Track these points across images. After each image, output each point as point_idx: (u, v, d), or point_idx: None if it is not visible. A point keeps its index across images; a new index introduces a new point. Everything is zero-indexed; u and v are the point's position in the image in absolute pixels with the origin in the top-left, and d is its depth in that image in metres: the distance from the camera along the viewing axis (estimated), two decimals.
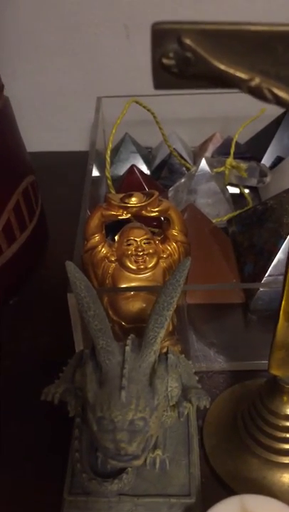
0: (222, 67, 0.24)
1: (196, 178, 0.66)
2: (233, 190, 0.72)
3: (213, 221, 0.63)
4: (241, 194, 0.72)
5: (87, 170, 0.61)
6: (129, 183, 0.64)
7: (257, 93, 0.25)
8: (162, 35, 0.24)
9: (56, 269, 0.61)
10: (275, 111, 0.77)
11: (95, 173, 0.67)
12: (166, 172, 0.73)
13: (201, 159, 0.66)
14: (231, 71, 0.24)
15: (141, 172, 0.66)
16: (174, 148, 0.73)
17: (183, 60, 0.24)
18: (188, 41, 0.24)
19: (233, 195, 0.71)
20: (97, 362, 0.34)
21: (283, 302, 0.35)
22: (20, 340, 0.54)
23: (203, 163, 0.66)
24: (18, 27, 0.80)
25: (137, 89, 0.73)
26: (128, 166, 0.70)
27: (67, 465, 0.39)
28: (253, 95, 0.25)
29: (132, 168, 0.66)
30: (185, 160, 0.74)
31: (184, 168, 0.72)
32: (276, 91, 0.25)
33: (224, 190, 0.68)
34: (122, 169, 0.73)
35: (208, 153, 0.76)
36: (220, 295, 0.55)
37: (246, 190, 0.72)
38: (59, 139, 0.87)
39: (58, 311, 0.56)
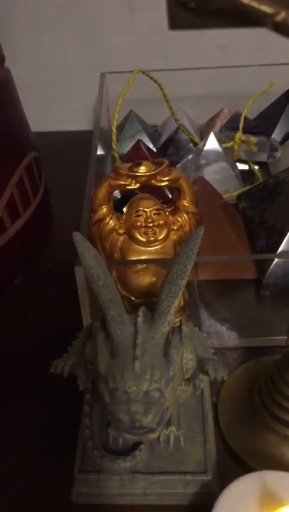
0: (245, 0, 0.22)
1: (204, 154, 0.64)
2: (243, 166, 0.70)
3: (224, 197, 0.61)
4: (251, 170, 0.70)
5: (92, 146, 0.59)
6: (135, 158, 0.62)
7: (283, 29, 0.23)
8: None
9: (61, 247, 0.59)
10: (283, 86, 0.75)
11: (100, 151, 0.65)
12: (172, 148, 0.71)
13: (209, 134, 0.64)
14: (255, 4, 0.22)
15: (147, 147, 0.65)
16: (182, 124, 0.71)
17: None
18: None
19: (242, 172, 0.69)
20: (108, 333, 0.33)
21: None
22: (27, 320, 0.53)
23: (212, 138, 0.64)
24: (21, 6, 0.77)
25: (142, 65, 0.71)
26: (133, 143, 0.68)
27: (78, 443, 0.37)
28: (278, 32, 0.23)
29: (138, 143, 0.64)
30: (192, 135, 0.71)
31: (192, 144, 0.70)
32: None
33: (233, 166, 0.66)
34: (127, 147, 0.71)
35: (216, 129, 0.74)
36: (232, 271, 0.53)
37: (256, 167, 0.70)
38: (62, 118, 0.85)
39: (63, 290, 0.54)
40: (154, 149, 0.73)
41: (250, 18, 0.23)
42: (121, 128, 0.74)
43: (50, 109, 0.84)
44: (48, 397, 0.44)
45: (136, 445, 0.35)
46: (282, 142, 0.71)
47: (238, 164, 0.70)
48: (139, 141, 0.64)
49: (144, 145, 0.64)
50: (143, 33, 0.80)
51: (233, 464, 0.39)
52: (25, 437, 0.42)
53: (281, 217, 0.54)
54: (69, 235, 0.42)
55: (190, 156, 0.66)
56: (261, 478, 0.33)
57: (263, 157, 0.68)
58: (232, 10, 0.23)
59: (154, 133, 0.77)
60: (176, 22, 0.24)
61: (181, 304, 0.47)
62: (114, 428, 0.33)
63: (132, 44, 0.80)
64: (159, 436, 0.37)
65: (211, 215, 0.54)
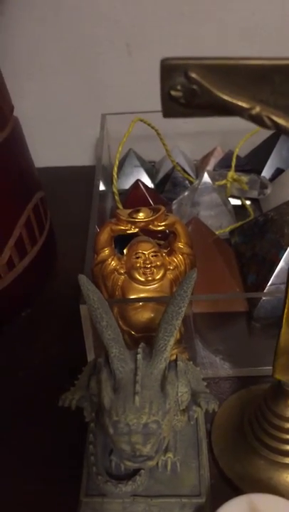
0: (225, 97, 0.27)
1: (199, 191, 0.69)
2: (235, 201, 0.75)
3: (216, 232, 0.65)
4: (243, 205, 0.74)
5: (95, 186, 0.63)
6: (135, 197, 0.67)
7: (258, 120, 0.27)
8: (170, 69, 0.27)
9: (66, 281, 0.63)
10: None
11: (101, 187, 0.70)
12: (169, 185, 0.76)
13: (204, 173, 0.69)
14: (234, 101, 0.27)
15: (146, 186, 0.69)
16: (177, 162, 0.75)
17: (189, 92, 0.27)
18: (194, 75, 0.26)
19: (235, 206, 0.73)
20: (111, 369, 0.37)
21: (286, 310, 0.37)
22: (33, 351, 0.57)
23: (206, 177, 0.68)
24: (25, 48, 0.83)
25: (140, 106, 0.75)
26: (132, 179, 0.73)
27: (83, 468, 0.41)
28: (254, 122, 0.27)
29: (137, 183, 0.68)
30: (188, 173, 0.76)
31: (187, 182, 0.75)
32: (275, 118, 0.27)
33: (226, 202, 0.70)
34: (126, 183, 0.76)
35: (210, 167, 0.78)
36: (224, 304, 0.57)
37: (248, 202, 0.74)
38: (65, 154, 0.89)
39: (68, 322, 0.58)
40: (152, 185, 0.78)
41: (230, 111, 0.27)
42: (121, 165, 0.79)
43: (54, 146, 0.89)
44: (55, 426, 0.47)
45: (136, 471, 0.39)
46: (273, 179, 0.76)
47: (231, 199, 0.74)
48: (138, 180, 0.69)
49: (143, 184, 0.69)
50: (141, 75, 0.85)
51: (226, 488, 0.43)
52: (32, 463, 0.45)
53: (269, 254, 0.58)
54: (73, 269, 0.46)
55: (186, 193, 0.71)
56: (250, 500, 0.37)
57: (254, 194, 0.73)
58: (214, 105, 0.27)
59: (152, 169, 0.81)
60: (169, 112, 0.28)
61: (178, 337, 0.51)
62: (117, 456, 0.36)
63: (131, 86, 0.85)
64: (157, 462, 0.40)
65: (205, 252, 0.58)
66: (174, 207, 0.71)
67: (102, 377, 0.36)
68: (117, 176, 0.77)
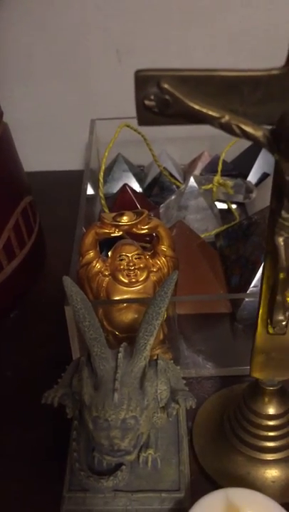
0: (196, 107, 0.28)
1: (185, 195, 0.70)
2: (222, 205, 0.76)
3: (202, 236, 0.66)
4: (229, 209, 0.76)
5: (82, 190, 0.65)
6: (122, 201, 0.68)
7: (227, 128, 0.29)
8: (144, 80, 0.28)
9: (54, 284, 0.64)
10: None
11: (90, 191, 0.71)
12: (157, 190, 0.77)
13: (190, 177, 0.70)
14: (204, 110, 0.28)
15: (133, 191, 0.70)
16: (165, 167, 0.77)
17: (162, 101, 0.28)
18: (166, 86, 0.28)
19: (221, 210, 0.75)
20: (93, 368, 0.38)
21: (260, 310, 0.38)
22: (21, 352, 0.58)
23: (192, 181, 0.70)
24: (16, 54, 0.84)
25: (129, 111, 0.76)
26: (121, 183, 0.74)
27: (66, 465, 0.42)
28: (223, 130, 0.29)
29: (125, 187, 0.70)
30: (175, 178, 0.78)
31: (174, 186, 0.76)
32: (243, 127, 0.28)
33: (212, 206, 0.72)
34: (115, 187, 0.77)
35: (197, 171, 0.80)
36: (208, 306, 0.58)
37: (234, 206, 0.76)
38: (55, 159, 0.91)
39: (55, 323, 0.60)
40: (141, 189, 0.79)
41: (201, 120, 0.29)
42: (109, 170, 0.80)
43: (44, 151, 0.90)
44: (39, 424, 0.48)
45: (118, 466, 0.40)
46: (259, 183, 0.77)
47: (217, 203, 0.75)
48: (125, 185, 0.70)
49: (130, 188, 0.70)
50: (131, 81, 0.86)
51: (205, 483, 0.44)
52: (17, 459, 0.47)
53: (253, 256, 0.59)
54: (61, 271, 0.47)
55: (173, 197, 0.72)
56: (227, 494, 0.38)
57: (240, 198, 0.74)
58: (186, 114, 0.28)
59: (140, 173, 0.83)
60: (143, 120, 0.30)
61: (161, 337, 0.52)
62: (97, 451, 0.38)
63: (120, 92, 0.86)
64: (138, 458, 0.41)
65: (189, 255, 0.60)
66: (161, 210, 0.72)
67: (84, 375, 0.37)
68: (106, 181, 0.78)
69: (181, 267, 0.52)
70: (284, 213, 0.31)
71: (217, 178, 0.72)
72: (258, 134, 0.28)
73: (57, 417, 0.44)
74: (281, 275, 0.34)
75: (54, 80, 0.86)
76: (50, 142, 0.90)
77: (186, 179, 0.76)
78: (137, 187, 0.79)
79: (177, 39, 0.84)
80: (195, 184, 0.70)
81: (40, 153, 0.89)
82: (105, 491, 0.40)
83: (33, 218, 0.65)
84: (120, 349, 0.39)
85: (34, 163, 0.83)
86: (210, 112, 0.28)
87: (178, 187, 0.75)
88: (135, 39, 0.84)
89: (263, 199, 0.73)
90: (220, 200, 0.76)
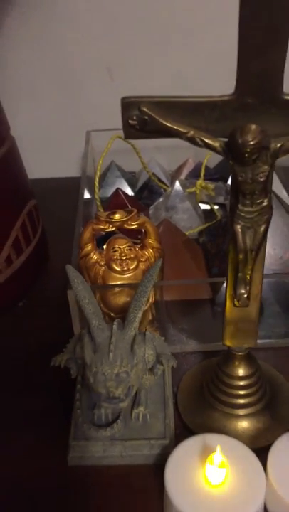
0: (168, 124, 0.37)
1: (172, 198, 0.79)
2: (205, 206, 0.85)
3: (187, 233, 0.75)
4: (212, 210, 0.84)
5: (80, 194, 0.73)
6: (116, 203, 0.77)
7: (192, 141, 0.37)
8: (128, 105, 0.37)
9: (56, 276, 0.73)
10: None
11: (86, 195, 0.80)
12: (147, 193, 0.86)
13: (175, 182, 0.79)
14: (174, 127, 0.37)
15: (125, 194, 0.79)
16: (153, 173, 0.86)
17: (142, 121, 0.37)
18: (145, 109, 0.37)
19: (205, 210, 0.84)
20: (92, 337, 0.46)
21: (228, 287, 0.47)
22: (30, 334, 0.66)
23: (177, 185, 0.78)
24: (20, 73, 0.93)
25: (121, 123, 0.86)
26: (114, 188, 0.83)
27: (72, 420, 0.50)
28: (190, 142, 0.38)
29: (117, 191, 0.79)
30: (163, 182, 0.86)
31: (162, 190, 0.85)
32: (204, 139, 0.37)
33: (196, 207, 0.81)
34: (109, 192, 0.86)
35: (183, 176, 0.89)
36: (191, 292, 0.67)
37: (216, 207, 0.85)
38: (55, 167, 0.99)
39: (58, 310, 0.68)
40: (132, 193, 0.88)
41: (172, 134, 0.38)
42: (104, 176, 0.89)
43: (45, 160, 0.99)
44: (48, 390, 0.57)
45: (114, 420, 0.49)
46: None
47: (201, 204, 0.84)
48: (118, 189, 0.79)
49: (123, 192, 0.79)
50: (121, 95, 0.95)
51: (188, 436, 0.52)
52: (32, 416, 0.55)
53: None
54: (62, 265, 0.55)
55: (160, 199, 0.81)
56: (204, 439, 0.46)
57: (221, 199, 0.83)
58: (161, 130, 0.37)
59: (132, 179, 0.92)
60: (128, 135, 0.38)
61: (150, 318, 0.60)
62: (96, 400, 0.46)
63: (114, 105, 0.95)
64: (131, 414, 0.50)
65: (175, 250, 0.68)
66: (150, 211, 0.81)
67: (85, 341, 0.46)
68: (101, 186, 0.87)
69: (168, 259, 0.61)
70: (240, 206, 0.40)
71: (200, 182, 0.81)
72: (216, 144, 0.37)
73: (63, 385, 0.53)
74: (240, 256, 0.42)
75: (53, 96, 0.96)
76: (51, 152, 0.99)
77: (172, 183, 0.85)
78: (129, 191, 0.87)
79: (165, 57, 0.93)
80: (180, 188, 0.79)
81: (42, 162, 0.98)
82: (104, 439, 0.48)
83: (37, 219, 0.74)
84: (114, 322, 0.47)
85: (36, 171, 0.91)
86: (179, 129, 0.37)
87: (165, 190, 0.84)
88: (124, 58, 0.93)
89: None
90: (203, 202, 0.85)
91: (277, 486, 0.43)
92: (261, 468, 0.44)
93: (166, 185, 0.86)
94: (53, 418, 0.54)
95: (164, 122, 0.37)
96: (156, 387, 0.53)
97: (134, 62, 0.94)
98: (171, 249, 0.65)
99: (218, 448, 0.43)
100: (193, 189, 0.81)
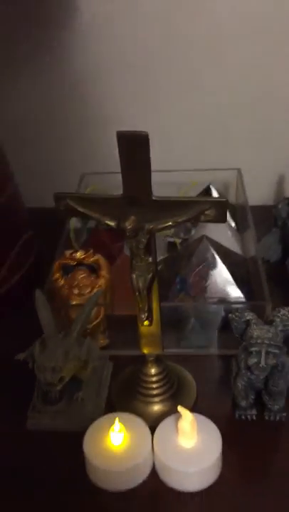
0: (87, 212, 0.58)
1: None
2: (171, 239, 1.05)
3: None
4: (175, 243, 1.05)
5: (65, 230, 0.95)
6: (95, 240, 0.98)
7: (103, 224, 0.58)
8: (59, 197, 0.59)
9: None
10: (203, 184, 1.10)
11: (77, 225, 1.02)
12: None
13: None
14: (91, 214, 0.58)
15: (104, 230, 1.00)
16: None
17: (69, 208, 0.58)
18: (69, 201, 0.58)
19: (170, 243, 1.04)
20: (44, 341, 0.68)
21: (137, 313, 0.67)
22: (32, 335, 0.88)
23: None
24: (24, 122, 1.14)
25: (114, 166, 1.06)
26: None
27: (32, 399, 0.73)
28: (102, 225, 0.59)
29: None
30: None
31: None
32: (109, 222, 0.58)
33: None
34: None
35: None
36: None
37: (179, 240, 1.05)
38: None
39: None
40: None
41: (91, 219, 0.59)
42: None
43: (43, 188, 1.19)
44: (18, 377, 0.78)
45: (59, 399, 0.71)
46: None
47: (168, 238, 1.05)
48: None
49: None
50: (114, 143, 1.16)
51: None
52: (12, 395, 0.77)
53: (171, 277, 0.88)
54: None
55: None
56: (113, 416, 0.67)
57: (181, 235, 1.03)
58: (81, 215, 0.59)
59: None
60: (60, 217, 0.60)
61: (102, 329, 0.82)
62: (41, 385, 0.68)
63: (106, 152, 1.16)
64: (72, 396, 0.71)
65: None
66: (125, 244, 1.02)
67: (37, 345, 0.68)
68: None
69: (123, 286, 0.81)
70: (134, 261, 0.61)
71: None
72: (112, 224, 0.58)
73: (27, 372, 0.75)
74: (136, 294, 0.63)
75: (51, 143, 1.17)
76: (48, 187, 1.19)
77: None
78: None
79: (154, 108, 1.12)
80: None
81: (40, 191, 1.18)
82: (51, 412, 0.70)
83: (31, 246, 0.96)
84: (61, 332, 0.69)
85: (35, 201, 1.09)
86: (95, 215, 0.58)
87: None
88: (115, 110, 1.13)
89: (198, 235, 1.02)
90: (168, 236, 1.05)
91: (157, 447, 0.64)
92: (149, 433, 0.65)
93: None
94: (18, 393, 0.76)
95: (82, 210, 0.58)
96: (94, 379, 0.74)
97: (127, 113, 1.11)
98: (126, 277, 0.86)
99: (117, 419, 0.64)
100: None
